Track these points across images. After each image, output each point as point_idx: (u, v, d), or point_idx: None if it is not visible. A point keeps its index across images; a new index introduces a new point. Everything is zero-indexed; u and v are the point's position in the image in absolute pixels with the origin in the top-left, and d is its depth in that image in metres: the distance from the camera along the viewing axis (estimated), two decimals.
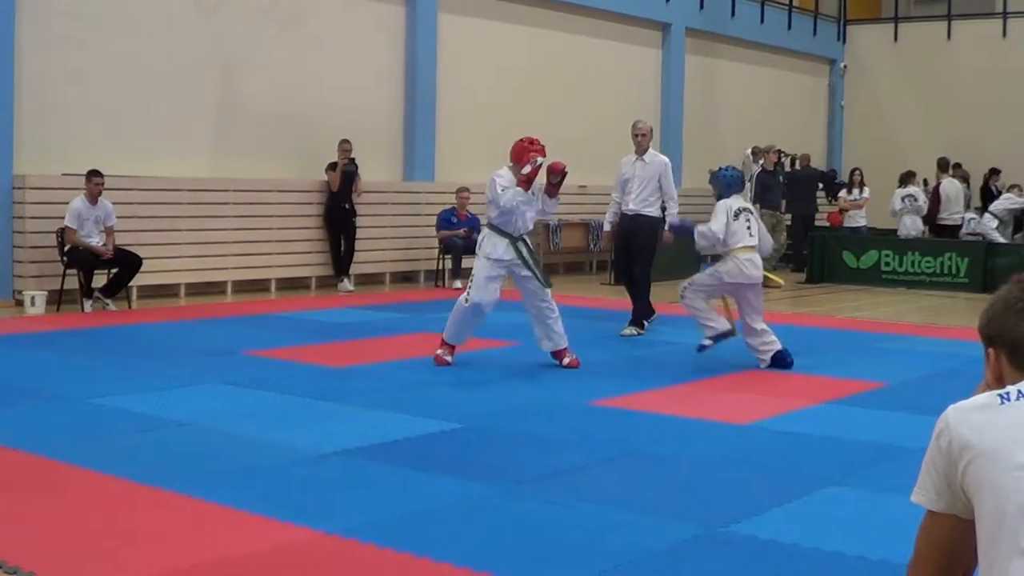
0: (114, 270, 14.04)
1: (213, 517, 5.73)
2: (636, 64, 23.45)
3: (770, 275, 18.65)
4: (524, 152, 10.36)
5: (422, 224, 18.43)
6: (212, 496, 6.02)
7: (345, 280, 17.22)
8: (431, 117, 19.09)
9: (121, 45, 15.23)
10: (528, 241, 10.63)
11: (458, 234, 17.86)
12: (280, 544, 5.31)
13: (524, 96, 20.59)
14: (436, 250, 18.27)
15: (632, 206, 12.79)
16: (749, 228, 10.66)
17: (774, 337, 10.70)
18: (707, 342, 10.80)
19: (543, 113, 20.97)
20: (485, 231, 10.61)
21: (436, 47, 19.12)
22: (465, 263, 17.93)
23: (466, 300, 10.30)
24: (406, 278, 18.66)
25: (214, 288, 16.09)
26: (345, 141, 17.01)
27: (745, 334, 10.75)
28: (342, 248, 17.33)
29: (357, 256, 17.70)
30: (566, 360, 10.44)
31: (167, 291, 15.53)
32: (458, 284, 17.51)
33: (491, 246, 10.37)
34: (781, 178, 20.78)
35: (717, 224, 10.56)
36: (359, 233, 17.58)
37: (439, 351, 10.42)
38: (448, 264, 18.00)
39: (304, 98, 17.27)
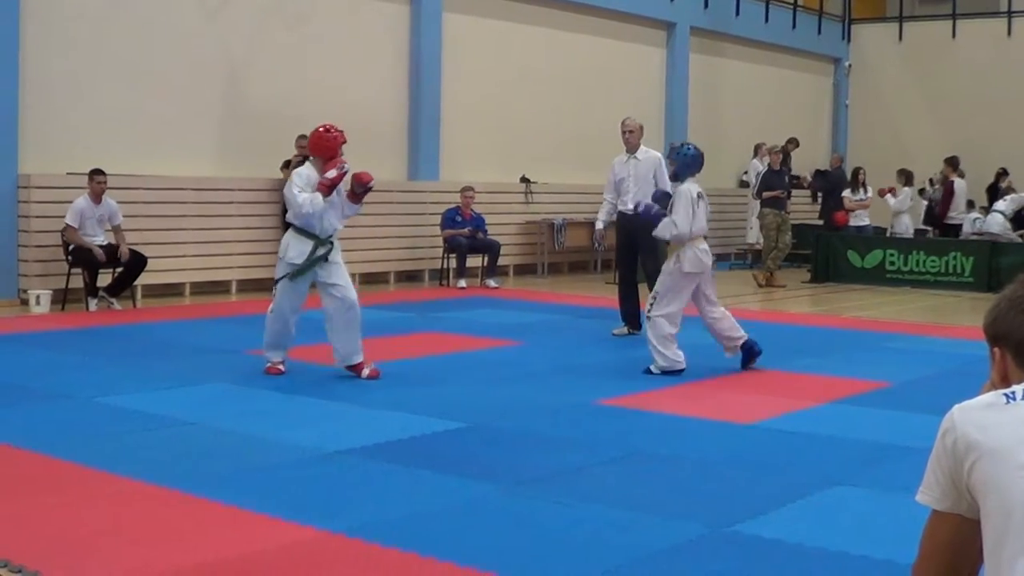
0: (119, 269, 14.04)
1: (217, 516, 5.73)
2: (641, 63, 23.45)
3: (772, 276, 18.78)
4: (324, 145, 9.59)
5: (426, 223, 18.44)
6: (216, 495, 6.02)
7: None
8: (436, 116, 19.10)
9: (125, 45, 15.25)
10: (335, 243, 9.76)
11: (463, 233, 17.86)
12: (284, 543, 5.31)
13: (528, 95, 20.60)
14: (440, 249, 18.27)
15: (631, 205, 12.35)
16: (707, 214, 10.36)
17: (738, 324, 10.52)
18: (655, 370, 10.19)
19: (547, 112, 21.01)
20: (288, 234, 9.72)
21: (441, 46, 19.13)
22: (470, 262, 17.96)
23: (271, 309, 9.73)
24: (410, 277, 18.66)
25: (219, 287, 16.10)
26: (302, 136, 15.75)
27: (708, 327, 10.44)
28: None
29: (361, 255, 17.68)
30: (366, 372, 9.67)
31: (172, 290, 15.54)
32: (463, 283, 17.54)
33: (296, 251, 9.54)
34: (786, 177, 20.76)
35: (683, 219, 10.05)
36: (364, 232, 17.58)
37: (268, 366, 9.78)
38: (452, 263, 18.00)
39: (308, 97, 17.26)
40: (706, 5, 24.66)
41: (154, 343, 11.56)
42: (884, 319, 15.00)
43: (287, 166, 16.09)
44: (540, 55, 21.01)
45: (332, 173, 9.44)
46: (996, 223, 20.60)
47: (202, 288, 15.89)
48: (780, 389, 9.67)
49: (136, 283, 14.43)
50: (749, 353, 10.48)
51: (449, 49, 19.27)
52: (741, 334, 10.45)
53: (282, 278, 9.63)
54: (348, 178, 9.68)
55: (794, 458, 7.28)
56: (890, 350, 12.10)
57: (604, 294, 17.15)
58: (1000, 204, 21.18)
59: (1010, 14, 27.26)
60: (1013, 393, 2.51)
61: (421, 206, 18.57)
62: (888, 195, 21.68)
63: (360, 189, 9.79)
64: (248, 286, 16.23)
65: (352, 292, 9.66)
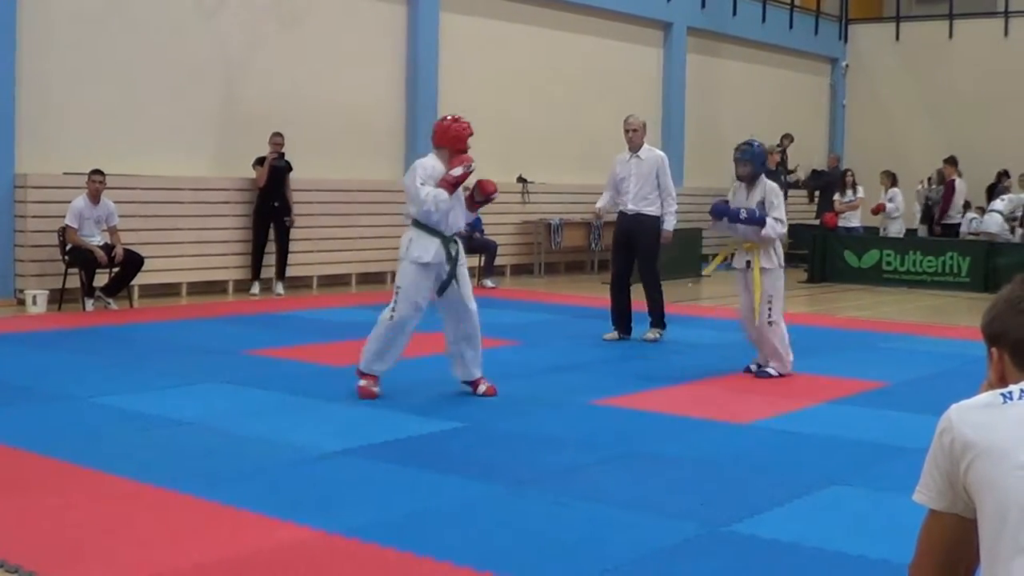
0: (115, 269, 14.04)
1: (215, 516, 5.73)
2: (638, 63, 23.44)
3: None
4: (452, 135, 8.84)
5: None
6: (214, 495, 6.02)
7: (278, 284, 16.33)
8: (432, 116, 18.96)
9: (122, 45, 15.23)
10: (460, 243, 9.11)
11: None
12: (282, 543, 5.31)
13: (526, 95, 20.59)
14: None
15: (631, 205, 12.34)
16: None
17: None
18: (774, 372, 10.16)
19: (544, 112, 21.00)
20: (411, 231, 8.87)
21: (438, 46, 19.13)
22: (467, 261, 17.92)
23: (392, 316, 8.82)
24: None
25: (215, 287, 16.09)
26: (277, 134, 16.15)
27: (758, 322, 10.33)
28: (271, 249, 16.39)
29: (360, 255, 17.69)
30: (482, 388, 9.11)
31: (169, 290, 15.53)
32: None
33: (421, 250, 8.78)
34: (783, 177, 20.78)
35: (784, 215, 10.15)
36: (360, 232, 17.58)
37: (362, 383, 8.90)
38: None
39: (305, 97, 17.26)
40: (703, 5, 24.67)
41: (151, 343, 11.55)
42: (881, 319, 15.01)
43: (260, 163, 16.05)
44: (537, 55, 21.00)
45: (458, 171, 8.71)
46: (994, 223, 20.62)
47: (198, 288, 15.88)
48: (777, 389, 9.68)
49: (133, 283, 14.42)
50: None
51: (446, 49, 19.26)
52: None
53: (405, 282, 8.84)
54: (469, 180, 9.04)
55: (791, 458, 7.29)
56: (887, 350, 12.11)
57: (601, 294, 17.09)
58: (998, 204, 21.20)
59: (1007, 14, 27.27)
60: (1010, 393, 2.51)
61: None
62: (881, 212, 21.71)
63: (481, 198, 9.21)
64: (244, 286, 16.21)
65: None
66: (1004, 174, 23.68)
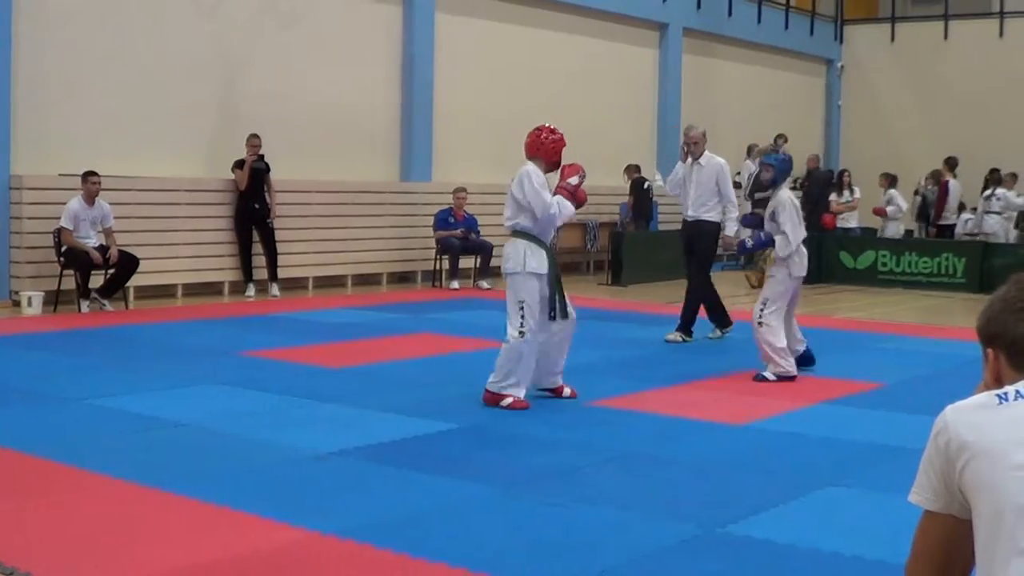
0: (111, 271, 14.02)
1: (211, 517, 5.73)
2: (633, 64, 23.45)
3: (764, 277, 18.78)
4: (549, 148, 8.85)
5: (419, 224, 18.41)
6: (210, 496, 6.01)
7: (273, 286, 16.22)
8: (428, 117, 19.09)
9: (118, 45, 15.21)
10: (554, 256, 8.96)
11: (455, 234, 17.85)
12: (278, 544, 5.31)
13: (521, 96, 20.56)
14: (433, 250, 18.25)
15: (691, 212, 12.34)
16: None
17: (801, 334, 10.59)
18: (770, 376, 10.06)
19: (540, 113, 20.82)
20: (520, 243, 8.65)
21: (433, 47, 19.12)
22: (463, 263, 17.95)
23: (522, 333, 8.55)
24: (403, 278, 18.66)
25: (211, 289, 16.07)
26: (254, 136, 16.06)
27: (787, 328, 10.29)
28: (257, 251, 16.32)
29: (356, 257, 17.68)
30: (567, 392, 9.08)
31: (164, 291, 15.51)
32: (455, 284, 17.53)
33: (537, 260, 8.61)
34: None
35: (793, 231, 10.09)
36: (356, 234, 17.57)
37: (508, 400, 8.58)
38: (445, 264, 17.99)
39: (301, 98, 17.25)
40: (699, 6, 24.68)
41: (146, 345, 11.54)
42: (877, 320, 15.02)
43: (239, 166, 16.00)
44: (533, 56, 21.00)
45: (575, 180, 8.81)
46: (994, 223, 20.68)
47: (194, 289, 15.86)
48: (773, 390, 9.68)
49: (128, 284, 14.40)
50: (804, 360, 10.47)
51: (442, 50, 19.26)
52: (802, 340, 10.48)
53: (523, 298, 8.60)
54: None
55: (787, 459, 7.29)
56: (883, 351, 12.11)
57: (597, 295, 17.17)
58: (994, 204, 21.21)
59: (1002, 15, 27.31)
60: (1006, 394, 2.51)
61: (414, 207, 18.55)
62: (881, 214, 21.70)
63: (574, 205, 8.96)
64: (240, 288, 16.18)
65: None
66: (994, 173, 23.65)
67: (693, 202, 12.33)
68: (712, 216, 12.31)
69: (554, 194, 8.76)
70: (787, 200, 10.22)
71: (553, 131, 8.95)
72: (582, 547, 5.35)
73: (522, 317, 8.56)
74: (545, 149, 8.85)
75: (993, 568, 2.39)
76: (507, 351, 8.57)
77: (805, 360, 10.48)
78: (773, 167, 10.42)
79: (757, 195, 10.48)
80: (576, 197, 8.96)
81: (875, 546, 5.33)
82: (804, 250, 10.30)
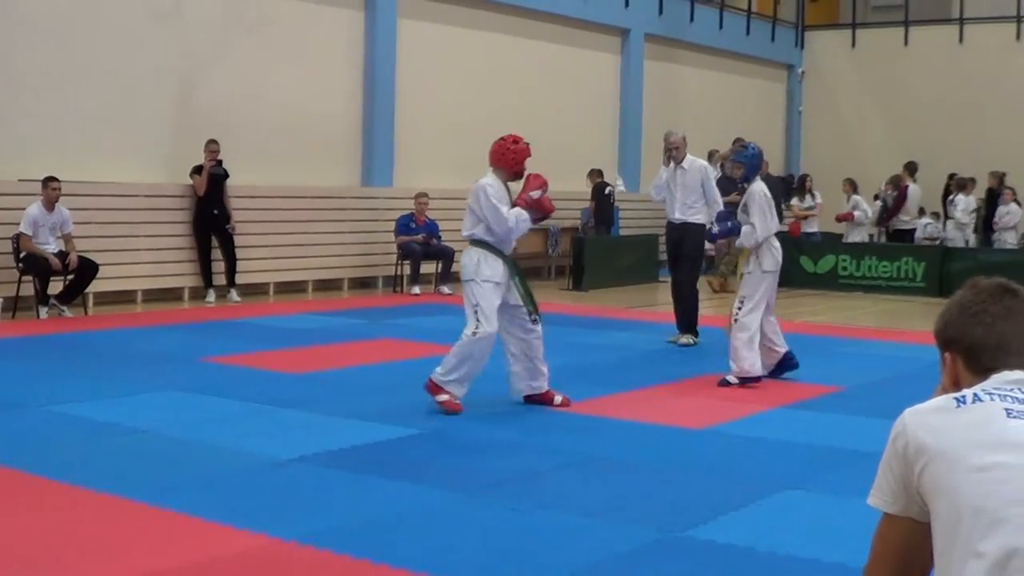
0: (70, 276, 13.93)
1: (171, 524, 5.69)
2: (595, 69, 23.51)
3: (726, 281, 18.85)
4: (511, 157, 8.88)
5: (380, 229, 18.37)
6: (169, 503, 5.97)
7: (232, 291, 16.13)
8: (390, 122, 19.06)
9: (78, 51, 15.11)
10: (517, 263, 9.09)
11: (416, 239, 17.83)
12: (238, 551, 5.28)
13: (483, 102, 20.58)
14: (394, 256, 18.21)
15: (678, 215, 12.39)
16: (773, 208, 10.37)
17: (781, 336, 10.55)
18: (732, 379, 9.98)
19: (502, 118, 20.90)
20: (476, 251, 8.78)
21: (395, 52, 19.10)
22: (424, 269, 17.93)
23: (475, 333, 8.64)
24: (364, 284, 18.61)
25: (171, 295, 15.99)
26: (212, 142, 15.99)
27: (765, 326, 10.24)
28: (216, 257, 16.23)
29: (316, 262, 17.63)
30: (558, 399, 9.02)
31: (124, 297, 15.42)
32: (417, 290, 17.50)
33: (491, 269, 8.70)
34: (740, 183, 20.85)
35: (761, 223, 10.04)
36: (317, 239, 17.52)
37: (444, 397, 8.65)
38: (407, 270, 17.96)
39: (262, 103, 17.19)
40: (660, 11, 24.77)
41: (106, 351, 11.46)
42: (837, 324, 15.09)
43: (198, 172, 15.90)
44: (495, 61, 21.01)
45: (537, 193, 8.87)
46: (952, 229, 20.92)
47: (154, 295, 15.77)
48: (733, 394, 9.70)
49: (87, 290, 14.31)
50: (787, 364, 10.44)
51: (404, 55, 19.24)
52: (783, 344, 10.43)
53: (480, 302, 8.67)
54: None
55: (746, 463, 7.31)
56: (843, 355, 12.17)
57: (558, 300, 17.18)
58: (959, 213, 21.49)
59: (962, 21, 27.55)
60: (964, 397, 2.53)
61: (375, 212, 18.52)
62: (848, 219, 21.79)
63: (536, 216, 9.05)
64: (200, 293, 16.10)
65: None
66: (955, 178, 23.82)
67: (680, 205, 12.39)
68: (699, 218, 12.39)
69: (515, 205, 8.79)
70: (758, 192, 10.20)
71: (517, 141, 8.96)
72: (543, 552, 5.35)
73: (477, 320, 8.66)
74: (507, 159, 8.88)
75: (951, 571, 2.40)
76: (459, 346, 8.67)
77: (788, 365, 10.43)
78: (743, 164, 10.45)
79: (725, 199, 10.73)
80: (542, 207, 8.98)
81: (834, 549, 5.35)
82: (776, 243, 10.28)
